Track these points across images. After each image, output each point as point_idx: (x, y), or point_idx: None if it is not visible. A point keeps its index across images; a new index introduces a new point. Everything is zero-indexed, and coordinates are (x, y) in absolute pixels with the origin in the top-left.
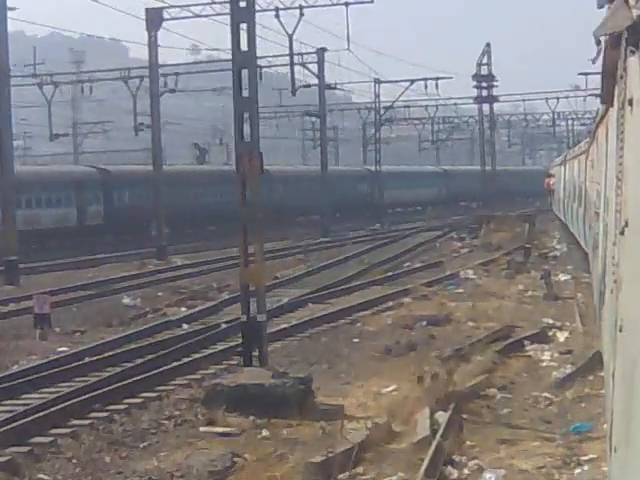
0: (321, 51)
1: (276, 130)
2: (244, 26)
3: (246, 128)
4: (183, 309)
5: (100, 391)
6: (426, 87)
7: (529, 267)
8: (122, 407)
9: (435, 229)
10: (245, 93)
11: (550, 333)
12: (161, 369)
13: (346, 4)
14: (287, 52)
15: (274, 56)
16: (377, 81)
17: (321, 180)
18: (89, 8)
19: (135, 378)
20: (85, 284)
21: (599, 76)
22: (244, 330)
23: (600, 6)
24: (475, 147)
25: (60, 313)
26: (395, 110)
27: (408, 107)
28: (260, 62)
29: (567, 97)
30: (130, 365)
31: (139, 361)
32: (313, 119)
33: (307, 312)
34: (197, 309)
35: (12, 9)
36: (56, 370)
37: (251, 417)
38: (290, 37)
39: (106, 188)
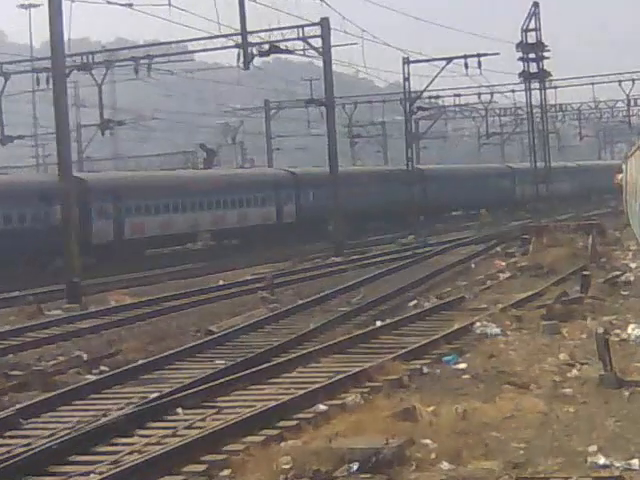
0: (325, 21)
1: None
2: None
3: None
4: None
5: None
6: (466, 67)
7: (586, 309)
8: None
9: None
10: None
11: None
12: None
13: None
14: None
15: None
16: (406, 60)
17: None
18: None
19: None
20: None
21: None
22: None
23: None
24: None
25: None
26: (443, 99)
27: (459, 95)
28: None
29: None
30: None
31: None
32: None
33: (156, 436)
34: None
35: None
36: None
37: None
38: None
39: (297, 189)
